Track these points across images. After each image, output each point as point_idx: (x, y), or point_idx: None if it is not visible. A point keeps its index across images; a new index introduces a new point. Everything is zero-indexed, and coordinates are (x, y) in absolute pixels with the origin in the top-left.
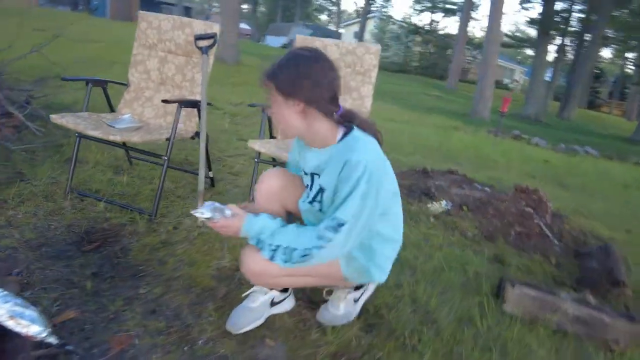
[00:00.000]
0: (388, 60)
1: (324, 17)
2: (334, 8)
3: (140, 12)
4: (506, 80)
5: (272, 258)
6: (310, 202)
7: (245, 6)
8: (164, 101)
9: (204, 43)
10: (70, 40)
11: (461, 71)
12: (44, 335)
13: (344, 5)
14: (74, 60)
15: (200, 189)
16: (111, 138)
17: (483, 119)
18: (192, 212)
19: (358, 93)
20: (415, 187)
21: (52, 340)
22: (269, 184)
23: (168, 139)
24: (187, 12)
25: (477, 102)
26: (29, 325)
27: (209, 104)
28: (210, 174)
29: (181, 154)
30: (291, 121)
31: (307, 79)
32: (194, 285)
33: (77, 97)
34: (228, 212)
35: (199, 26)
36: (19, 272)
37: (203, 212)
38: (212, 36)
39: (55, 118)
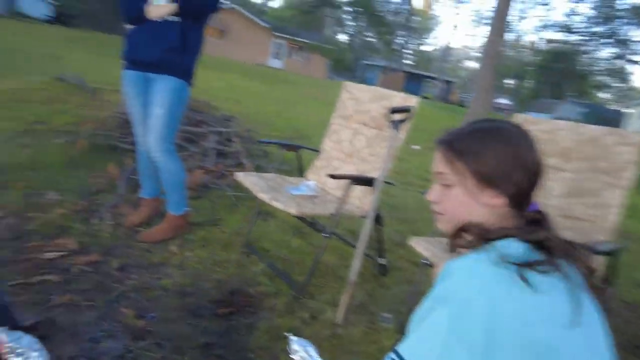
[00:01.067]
0: None
1: (603, 94)
2: (622, 85)
3: (345, 82)
4: None
5: None
6: None
7: (510, 81)
8: (331, 176)
9: (397, 117)
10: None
11: None
12: None
13: (635, 82)
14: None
15: (352, 279)
16: (274, 204)
17: None
18: (286, 334)
19: (597, 199)
20: None
21: None
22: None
23: (333, 215)
24: (449, 85)
25: None
26: None
27: (389, 183)
28: (383, 261)
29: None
30: (469, 214)
31: (518, 164)
32: None
33: (308, 157)
34: None
35: (398, 99)
36: (152, 317)
37: (292, 344)
38: (407, 109)
39: (238, 175)
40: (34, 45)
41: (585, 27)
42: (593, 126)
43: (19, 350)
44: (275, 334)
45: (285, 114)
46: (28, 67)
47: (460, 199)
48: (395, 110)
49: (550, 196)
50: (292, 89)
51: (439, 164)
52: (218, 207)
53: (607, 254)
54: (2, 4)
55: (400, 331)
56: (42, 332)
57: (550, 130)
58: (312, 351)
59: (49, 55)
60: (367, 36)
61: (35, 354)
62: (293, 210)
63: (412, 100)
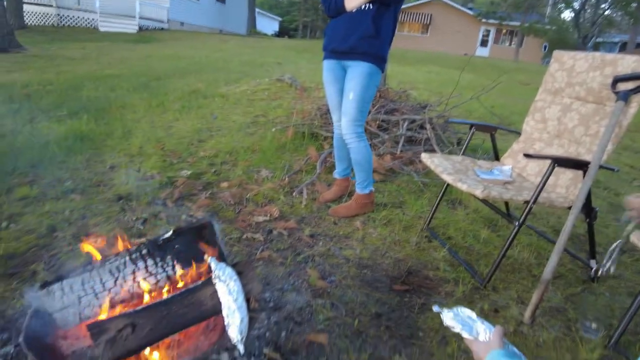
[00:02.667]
0: None
1: None
2: None
3: (556, 51)
4: None
5: None
6: None
7: None
8: (527, 156)
9: (625, 86)
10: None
11: None
12: (237, 337)
13: None
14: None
15: (546, 276)
16: (458, 185)
17: None
18: (434, 307)
19: None
20: None
21: (240, 348)
22: None
23: (527, 202)
24: None
25: None
26: (234, 319)
27: (608, 168)
28: (593, 264)
29: (580, 226)
30: None
31: None
32: None
33: (504, 146)
34: (480, 335)
35: (627, 64)
36: (332, 280)
37: (445, 319)
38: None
39: (424, 157)
40: (263, 56)
41: None
42: None
43: (222, 278)
44: None
45: (487, 102)
46: (259, 73)
47: None
48: (622, 79)
49: None
50: (498, 76)
51: None
52: (403, 192)
53: None
54: (245, 26)
55: (609, 347)
56: (240, 269)
57: None
58: (477, 319)
59: (273, 62)
60: (601, 8)
61: (233, 283)
62: (478, 192)
63: None
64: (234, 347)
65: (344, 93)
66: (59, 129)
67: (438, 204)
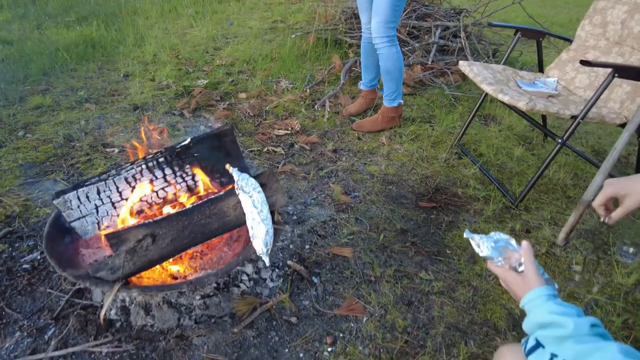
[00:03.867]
0: None
1: None
2: None
3: None
4: None
5: None
6: None
7: None
8: (584, 62)
9: None
10: None
11: None
12: (262, 249)
13: None
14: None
15: (586, 198)
16: (499, 97)
17: None
18: (466, 234)
19: None
20: None
21: (265, 260)
22: None
23: (574, 117)
24: None
25: None
26: (259, 231)
27: None
28: None
29: (628, 148)
30: None
31: None
32: (471, 312)
33: (546, 60)
34: (519, 266)
35: None
36: (356, 195)
37: (479, 245)
38: None
39: (462, 64)
40: None
41: None
42: None
43: (245, 189)
44: None
45: (531, 9)
46: None
47: None
48: None
49: None
50: None
51: None
52: (433, 105)
53: None
54: None
55: None
56: (263, 180)
57: None
58: (513, 245)
59: None
60: None
61: (257, 194)
62: (522, 104)
63: None
64: (258, 258)
65: None
66: (69, 35)
67: (471, 119)
